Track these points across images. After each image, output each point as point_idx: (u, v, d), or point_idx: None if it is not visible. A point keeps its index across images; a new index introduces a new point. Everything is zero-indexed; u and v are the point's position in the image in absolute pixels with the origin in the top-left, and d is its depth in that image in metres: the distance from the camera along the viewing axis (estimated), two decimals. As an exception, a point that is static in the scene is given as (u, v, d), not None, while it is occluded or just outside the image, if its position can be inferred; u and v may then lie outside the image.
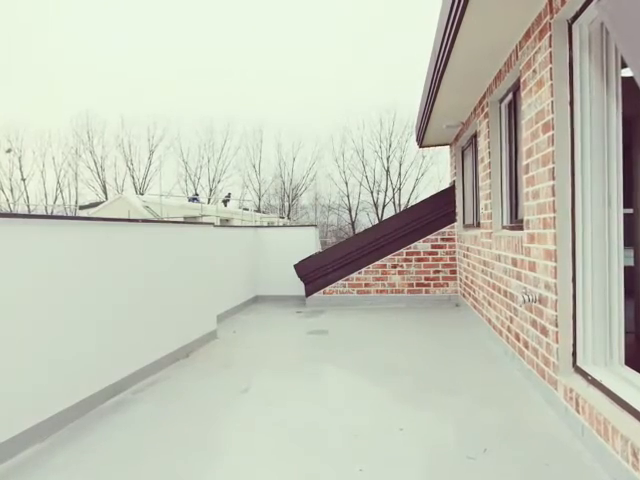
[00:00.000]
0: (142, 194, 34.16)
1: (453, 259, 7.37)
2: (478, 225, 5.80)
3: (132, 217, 15.16)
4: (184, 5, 49.95)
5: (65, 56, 47.31)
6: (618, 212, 2.63)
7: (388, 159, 38.99)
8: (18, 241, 2.67)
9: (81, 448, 2.66)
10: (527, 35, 3.36)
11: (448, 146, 8.20)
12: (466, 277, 6.55)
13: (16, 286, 2.64)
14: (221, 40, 53.09)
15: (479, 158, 5.50)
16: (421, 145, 8.27)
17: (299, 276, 7.61)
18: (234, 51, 52.53)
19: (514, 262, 3.87)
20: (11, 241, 2.62)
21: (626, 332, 2.69)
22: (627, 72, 2.81)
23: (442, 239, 7.43)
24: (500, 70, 4.27)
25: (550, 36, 2.87)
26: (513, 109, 4.39)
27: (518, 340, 3.81)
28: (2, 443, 2.48)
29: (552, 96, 2.87)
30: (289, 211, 40.62)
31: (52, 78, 45.94)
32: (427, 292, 7.40)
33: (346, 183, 39.61)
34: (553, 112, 2.86)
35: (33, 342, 2.75)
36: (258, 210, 36.33)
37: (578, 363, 2.77)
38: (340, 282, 7.56)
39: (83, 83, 47.43)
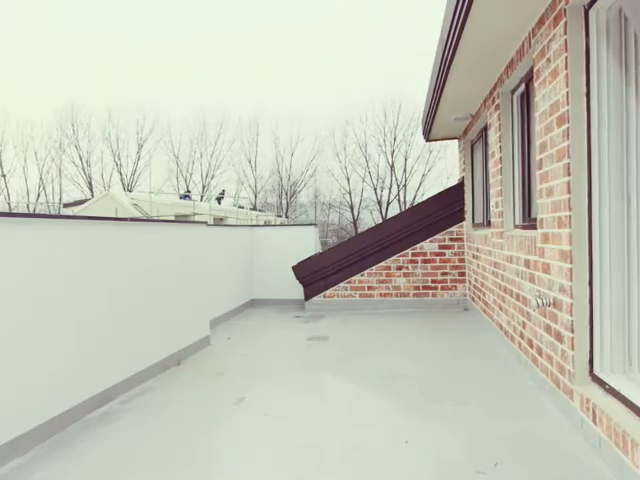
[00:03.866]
0: (130, 191, 34.19)
1: (462, 260, 7.38)
2: (489, 224, 5.80)
3: (120, 215, 15.16)
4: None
5: (47, 44, 47.36)
6: (638, 210, 2.63)
7: (393, 154, 39.05)
8: (-2, 241, 2.67)
9: (65, 461, 2.66)
10: (541, 21, 3.36)
11: (456, 140, 8.20)
12: (476, 279, 6.55)
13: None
14: (215, 28, 53.17)
15: (490, 153, 5.51)
16: (428, 139, 8.28)
17: (298, 278, 7.61)
18: (228, 40, 52.65)
19: (527, 263, 3.87)
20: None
21: (646, 338, 2.69)
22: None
23: (450, 239, 7.43)
24: (512, 59, 4.27)
25: (565, 23, 2.87)
26: (526, 100, 4.39)
27: (531, 346, 3.81)
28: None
29: (567, 87, 2.87)
30: (287, 209, 40.65)
31: (34, 68, 45.99)
32: (434, 295, 7.40)
33: (348, 179, 39.67)
34: (568, 104, 2.86)
35: (12, 348, 2.75)
36: (254, 208, 36.36)
37: (595, 371, 2.77)
38: (341, 285, 7.56)
39: (67, 73, 47.53)
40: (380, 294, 7.49)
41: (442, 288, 7.41)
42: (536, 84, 3.52)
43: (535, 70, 3.53)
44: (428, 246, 7.45)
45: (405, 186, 38.94)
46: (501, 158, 4.90)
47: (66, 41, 47.58)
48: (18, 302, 2.79)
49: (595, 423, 2.55)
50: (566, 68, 2.88)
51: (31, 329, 2.87)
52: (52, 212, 33.37)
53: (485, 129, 6.05)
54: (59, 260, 3.13)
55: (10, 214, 2.82)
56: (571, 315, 2.88)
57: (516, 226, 4.72)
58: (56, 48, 46.95)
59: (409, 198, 38.51)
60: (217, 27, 53.18)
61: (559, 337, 3.11)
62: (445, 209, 7.47)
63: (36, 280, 2.93)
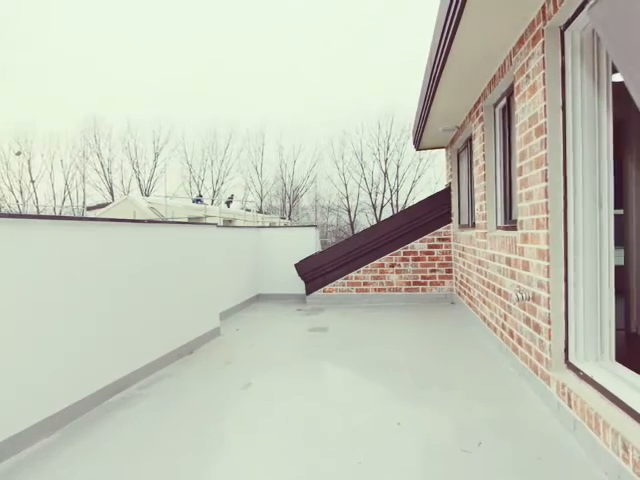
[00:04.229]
0: (147, 195, 34.20)
1: (449, 258, 7.37)
2: (473, 225, 5.80)
3: (138, 218, 15.16)
4: (185, 7, 50.03)
5: (69, 59, 47.34)
6: (609, 213, 2.63)
7: (386, 161, 39.01)
8: (29, 241, 2.67)
9: (87, 442, 2.66)
10: (521, 41, 3.36)
11: (444, 149, 8.20)
12: (461, 276, 6.54)
13: (25, 284, 2.64)
14: (222, 43, 53.13)
15: (474, 161, 5.50)
16: (418, 148, 8.27)
17: (300, 275, 7.60)
18: (234, 54, 52.60)
19: (508, 261, 3.87)
20: (23, 241, 2.62)
21: (616, 329, 2.69)
22: (618, 77, 2.82)
23: (438, 239, 7.42)
24: (494, 75, 4.27)
25: (543, 42, 2.87)
26: (507, 113, 4.38)
27: (512, 337, 3.80)
28: (9, 438, 2.48)
29: (545, 100, 2.86)
30: (290, 212, 40.61)
31: (58, 81, 46.01)
32: (424, 290, 7.39)
33: (345, 185, 39.65)
34: (546, 116, 2.86)
35: (38, 338, 2.75)
36: (260, 211, 36.33)
37: (570, 359, 2.77)
38: (339, 281, 7.55)
39: (88, 86, 47.51)
40: (375, 289, 7.49)
41: (431, 284, 7.40)
42: (516, 98, 3.51)
43: (515, 85, 3.52)
44: (418, 245, 7.44)
45: (397, 191, 38.91)
46: (484, 166, 4.89)
47: (86, 56, 47.55)
48: (39, 298, 2.79)
49: (570, 406, 2.55)
50: (544, 84, 2.87)
51: (53, 324, 2.88)
52: (77, 214, 33.36)
53: (470, 139, 6.04)
54: (83, 259, 3.12)
55: (39, 216, 2.82)
56: (548, 308, 2.88)
57: (498, 227, 4.71)
58: (77, 63, 46.98)
59: (401, 202, 38.46)
60: (224, 43, 53.19)
61: (537, 328, 3.11)
62: (434, 212, 7.46)
63: (69, 275, 2.93)
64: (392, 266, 7.46)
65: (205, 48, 51.04)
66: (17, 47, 43.50)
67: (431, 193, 8.06)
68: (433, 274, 7.40)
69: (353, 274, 7.53)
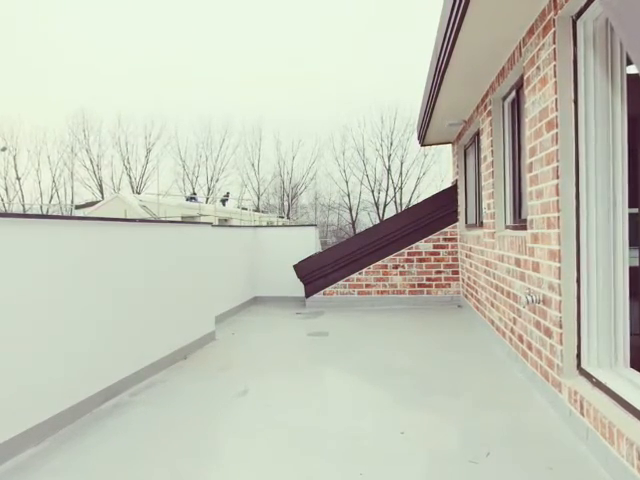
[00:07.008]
0: (139, 193, 34.23)
1: (455, 259, 7.37)
2: (481, 225, 5.80)
3: (129, 217, 15.15)
4: (183, 3, 50.08)
5: (60, 53, 47.41)
6: (623, 212, 2.63)
7: (389, 158, 39.05)
8: (13, 241, 2.67)
9: (77, 451, 2.65)
10: (531, 31, 3.36)
11: (450, 145, 8.20)
12: (468, 278, 6.55)
13: (12, 287, 2.64)
14: (220, 38, 53.18)
15: (482, 157, 5.50)
16: (423, 144, 8.28)
17: (299, 277, 7.60)
18: (233, 49, 52.61)
19: (517, 262, 3.87)
20: (6, 241, 2.62)
21: (631, 334, 2.69)
22: (632, 69, 2.82)
23: (444, 239, 7.43)
24: (503, 67, 4.27)
25: (554, 33, 2.87)
26: (516, 107, 4.39)
27: (521, 342, 3.81)
28: (-3, 446, 2.48)
29: (556, 94, 2.87)
30: (289, 211, 40.62)
31: (46, 75, 46.04)
32: (429, 293, 7.39)
33: (346, 182, 39.66)
34: (557, 110, 2.86)
35: (28, 344, 2.74)
36: (257, 210, 36.35)
37: (582, 365, 2.77)
38: (340, 283, 7.56)
39: (79, 80, 47.59)
40: (377, 292, 7.49)
41: (436, 286, 7.40)
42: (526, 91, 3.51)
43: (525, 78, 3.53)
44: (423, 246, 7.44)
45: (401, 188, 38.94)
46: (493, 162, 4.90)
47: (78, 49, 47.59)
48: (29, 302, 2.79)
49: (582, 414, 2.55)
50: (555, 76, 2.88)
51: (43, 329, 2.88)
52: (64, 213, 33.35)
53: (477, 134, 6.05)
54: (71, 260, 3.12)
55: (24, 215, 2.82)
56: (560, 312, 2.88)
57: (507, 227, 4.71)
58: (68, 56, 47.04)
59: (405, 200, 38.51)
60: (222, 38, 53.25)
61: (548, 333, 3.11)
62: (439, 210, 7.47)
63: (48, 278, 2.93)
64: (396, 267, 7.46)
65: (202, 41, 51.06)
66: (4, 41, 43.53)
67: (436, 191, 8.09)
68: (439, 276, 7.40)
69: (355, 276, 7.53)
